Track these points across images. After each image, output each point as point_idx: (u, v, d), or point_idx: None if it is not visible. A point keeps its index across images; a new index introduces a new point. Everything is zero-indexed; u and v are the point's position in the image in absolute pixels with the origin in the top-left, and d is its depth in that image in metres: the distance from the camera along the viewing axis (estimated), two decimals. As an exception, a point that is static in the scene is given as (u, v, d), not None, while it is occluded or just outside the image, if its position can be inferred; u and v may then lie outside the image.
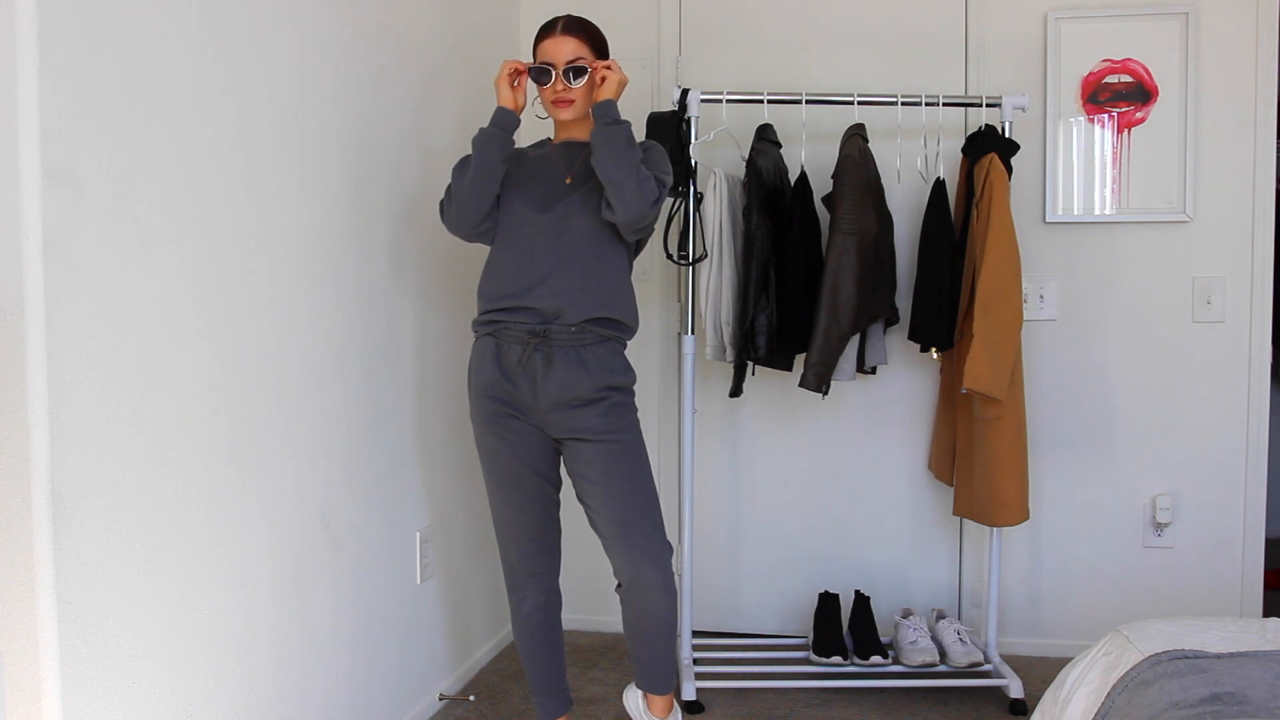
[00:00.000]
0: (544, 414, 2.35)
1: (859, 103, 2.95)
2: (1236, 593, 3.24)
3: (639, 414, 2.44)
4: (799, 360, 3.01)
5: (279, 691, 2.14)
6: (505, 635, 3.38)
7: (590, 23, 2.43)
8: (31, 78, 1.52)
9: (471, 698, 2.92)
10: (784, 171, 3.04)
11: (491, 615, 3.28)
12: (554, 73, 2.35)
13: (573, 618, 3.46)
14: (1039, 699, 1.98)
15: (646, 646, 2.44)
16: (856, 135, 2.94)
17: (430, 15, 2.84)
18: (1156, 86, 3.19)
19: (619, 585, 2.39)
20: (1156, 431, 3.25)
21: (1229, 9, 3.16)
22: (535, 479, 2.42)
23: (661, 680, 2.49)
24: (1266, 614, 3.23)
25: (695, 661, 3.06)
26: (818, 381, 2.83)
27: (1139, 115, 3.21)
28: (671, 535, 3.45)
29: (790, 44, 3.35)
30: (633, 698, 2.56)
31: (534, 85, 2.42)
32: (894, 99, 2.96)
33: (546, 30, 2.40)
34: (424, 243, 2.78)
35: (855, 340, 2.94)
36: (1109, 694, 1.70)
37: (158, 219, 1.77)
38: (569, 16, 2.41)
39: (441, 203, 2.45)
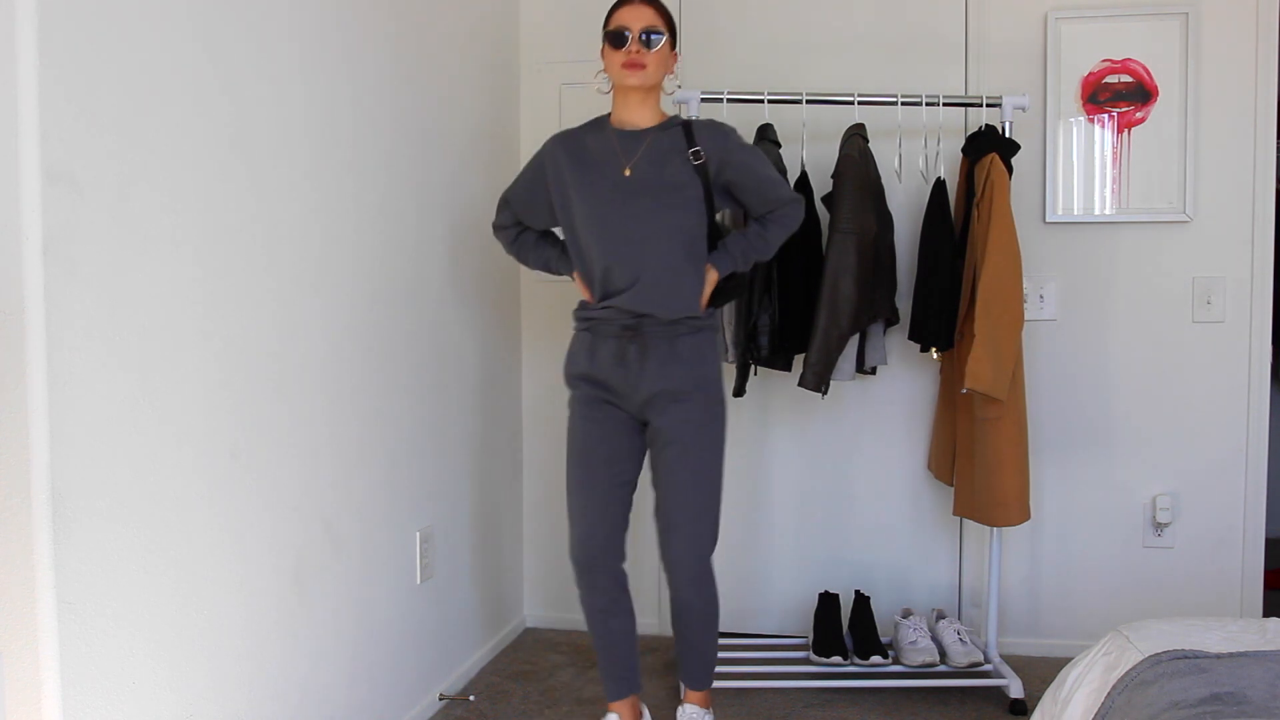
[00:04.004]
0: (641, 402, 2.43)
1: (859, 103, 2.95)
2: (1236, 593, 3.24)
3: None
4: (798, 360, 3.01)
5: (279, 691, 2.14)
6: (505, 635, 3.38)
7: (661, 1, 2.47)
8: (31, 78, 1.52)
9: (472, 698, 2.92)
10: (784, 171, 3.04)
11: (492, 615, 3.28)
12: (630, 35, 2.37)
13: (574, 618, 3.46)
14: (1039, 699, 1.98)
15: (681, 640, 2.56)
16: (857, 135, 2.94)
17: (431, 14, 2.84)
18: (1156, 86, 3.19)
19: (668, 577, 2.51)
20: (1156, 431, 3.25)
21: (1229, 9, 3.16)
22: (610, 458, 2.48)
23: (695, 675, 2.59)
24: (1266, 614, 3.23)
25: (695, 661, 3.06)
26: (817, 381, 2.83)
27: (1139, 115, 3.21)
28: (671, 535, 3.45)
29: (790, 44, 3.35)
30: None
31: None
32: (894, 99, 2.96)
33: (621, 2, 2.43)
34: (424, 241, 2.78)
35: (855, 340, 2.94)
36: (1109, 694, 1.70)
37: (158, 219, 1.77)
38: None
39: (494, 226, 2.67)
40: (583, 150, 2.46)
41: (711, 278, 2.47)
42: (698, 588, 2.48)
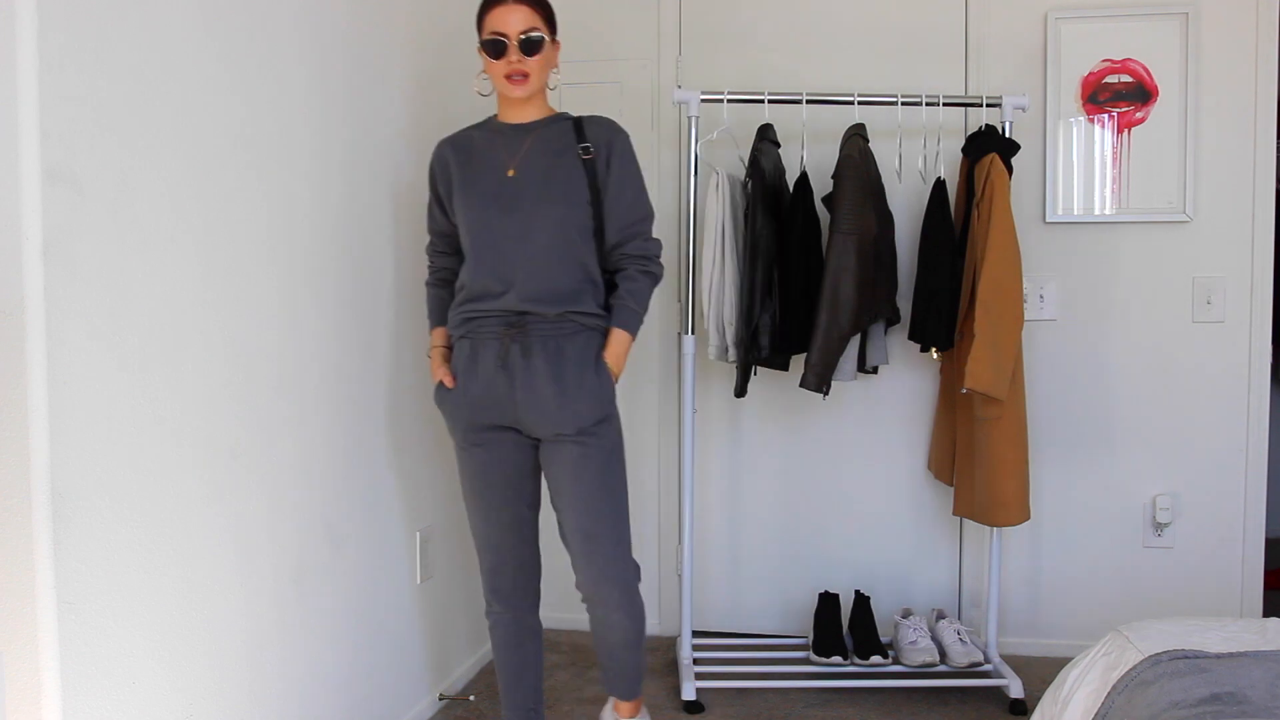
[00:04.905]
0: (523, 413, 2.24)
1: (859, 103, 2.95)
2: (1236, 593, 3.24)
3: (623, 418, 2.38)
4: (797, 360, 3.01)
5: (279, 691, 2.14)
6: (505, 635, 3.38)
7: None
8: (31, 78, 1.52)
9: (472, 698, 2.93)
10: (784, 171, 3.04)
11: (491, 615, 3.28)
12: (508, 44, 2.20)
13: (573, 617, 3.46)
14: (1039, 699, 1.98)
15: (609, 657, 2.41)
16: (857, 135, 2.94)
17: (436, 15, 2.83)
18: (1156, 86, 3.19)
19: (583, 596, 2.36)
20: (1156, 431, 3.25)
21: (1229, 9, 3.15)
22: (505, 491, 2.34)
23: (626, 688, 2.45)
24: (1266, 614, 3.23)
25: (695, 661, 3.06)
26: (818, 382, 2.83)
27: (1139, 115, 3.20)
28: (671, 535, 3.46)
29: (790, 44, 3.35)
30: (608, 708, 2.55)
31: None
32: (894, 99, 2.96)
33: (493, 1, 2.23)
34: (423, 243, 2.78)
35: (856, 340, 2.94)
36: (1109, 694, 1.70)
37: (158, 219, 1.77)
38: None
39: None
40: (470, 149, 2.31)
41: (622, 337, 2.28)
42: (622, 613, 2.35)
